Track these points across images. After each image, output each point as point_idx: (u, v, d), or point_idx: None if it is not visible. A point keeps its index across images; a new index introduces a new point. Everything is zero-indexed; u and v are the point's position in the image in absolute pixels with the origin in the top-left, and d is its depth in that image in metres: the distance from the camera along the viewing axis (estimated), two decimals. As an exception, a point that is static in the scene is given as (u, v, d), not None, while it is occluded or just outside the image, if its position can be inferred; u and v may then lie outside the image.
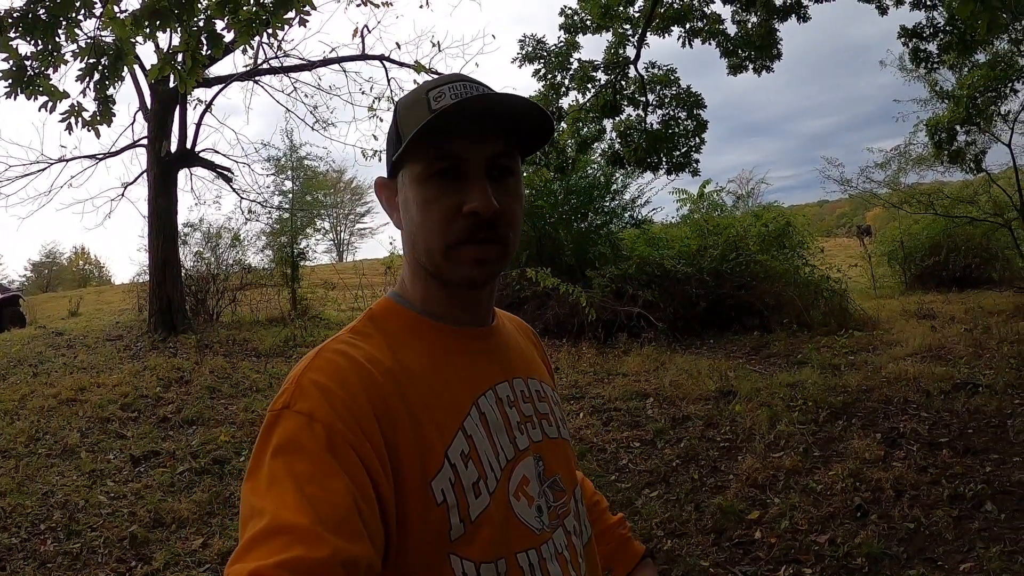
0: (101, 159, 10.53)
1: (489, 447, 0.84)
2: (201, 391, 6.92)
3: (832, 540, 3.57)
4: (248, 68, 9.50)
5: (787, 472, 4.42)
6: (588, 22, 8.49)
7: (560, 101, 8.75)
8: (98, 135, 3.73)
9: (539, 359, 1.10)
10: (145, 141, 10.02)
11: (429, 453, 0.78)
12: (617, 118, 8.86)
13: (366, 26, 11.04)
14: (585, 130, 8.95)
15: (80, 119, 3.64)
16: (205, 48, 3.45)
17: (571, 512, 0.95)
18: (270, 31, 3.67)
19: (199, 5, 3.22)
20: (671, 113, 8.65)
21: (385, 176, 0.95)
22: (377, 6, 6.81)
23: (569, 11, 8.57)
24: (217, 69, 9.69)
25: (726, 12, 8.36)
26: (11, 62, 3.29)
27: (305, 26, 3.65)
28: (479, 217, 0.83)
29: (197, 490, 4.64)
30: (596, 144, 9.42)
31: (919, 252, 12.59)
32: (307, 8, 3.58)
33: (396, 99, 0.94)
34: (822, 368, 6.82)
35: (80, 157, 10.38)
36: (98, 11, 3.39)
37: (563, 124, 8.87)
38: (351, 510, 0.67)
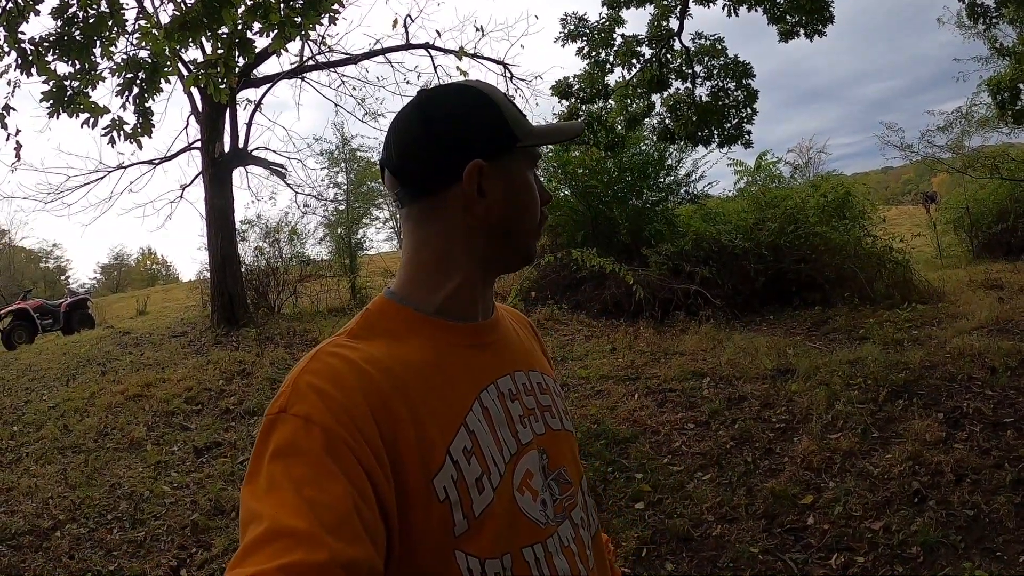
0: (158, 164, 10.92)
1: (492, 442, 0.84)
2: (262, 383, 7.15)
3: (887, 527, 3.45)
4: (294, 66, 9.67)
5: (844, 455, 4.28)
6: (631, -5, 8.27)
7: (606, 78, 8.59)
8: (140, 147, 3.87)
9: (539, 351, 1.09)
10: (199, 144, 10.32)
11: (430, 451, 0.78)
12: (665, 92, 8.65)
13: (408, 15, 11.05)
14: (633, 106, 8.77)
15: (122, 132, 3.77)
16: (237, 56, 3.52)
17: (578, 504, 0.95)
18: (303, 34, 3.70)
19: (230, 12, 3.27)
20: (720, 84, 8.39)
21: (478, 160, 0.88)
22: (416, -5, 6.78)
23: (610, -15, 8.38)
24: (264, 69, 9.93)
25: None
26: (51, 83, 3.43)
27: (335, 24, 3.69)
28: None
29: (256, 479, 4.80)
30: (646, 120, 9.23)
31: (986, 219, 11.95)
32: (336, 7, 3.61)
33: (485, 84, 0.88)
34: (884, 344, 6.56)
35: (137, 163, 10.78)
36: (131, 28, 3.49)
37: (611, 102, 8.72)
38: (350, 512, 0.67)
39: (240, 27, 3.48)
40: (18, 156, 4.06)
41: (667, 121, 8.77)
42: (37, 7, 3.51)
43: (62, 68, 3.52)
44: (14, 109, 3.69)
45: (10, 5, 3.40)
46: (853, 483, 3.91)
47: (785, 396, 5.45)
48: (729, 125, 8.46)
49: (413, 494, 0.76)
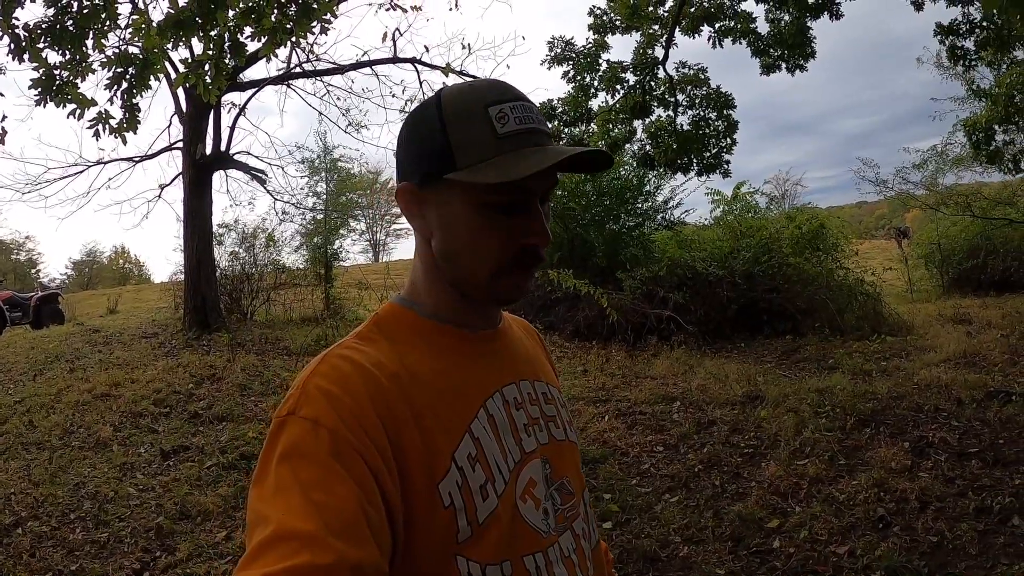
0: (138, 162, 10.84)
1: (497, 450, 0.84)
2: (232, 388, 7.06)
3: (852, 552, 3.49)
4: (281, 72, 9.69)
5: (811, 480, 4.34)
6: (617, 22, 8.46)
7: (589, 102, 8.74)
8: (124, 142, 3.88)
9: (545, 361, 1.09)
10: (181, 144, 10.26)
11: (436, 456, 0.78)
12: (647, 119, 8.82)
13: (397, 29, 11.12)
14: (615, 131, 8.92)
15: (107, 126, 3.77)
16: (228, 58, 3.54)
17: (580, 515, 0.95)
18: (294, 40, 3.74)
19: (223, 15, 3.30)
20: (701, 114, 8.57)
21: (409, 182, 0.88)
22: (406, 11, 6.88)
23: (598, 11, 8.55)
24: (250, 73, 9.94)
25: (759, 10, 8.28)
26: (41, 71, 3.43)
27: (326, 34, 3.74)
28: (537, 250, 0.85)
29: (223, 484, 4.75)
30: (627, 145, 9.39)
31: (957, 255, 12.29)
32: (328, 17, 3.65)
33: (444, 89, 0.90)
34: (853, 374, 6.68)
35: (117, 160, 10.68)
36: (124, 22, 3.51)
37: (593, 126, 8.86)
38: (357, 515, 0.68)
39: (233, 29, 3.51)
40: (2, 141, 4.02)
41: (648, 147, 8.94)
42: (34, -7, 3.52)
43: (53, 57, 3.55)
44: (2, 95, 3.68)
45: (8, -11, 3.42)
46: (819, 508, 3.95)
47: (754, 422, 5.51)
48: (709, 154, 8.65)
49: (418, 499, 0.76)
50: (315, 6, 3.44)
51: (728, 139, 8.46)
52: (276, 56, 4.09)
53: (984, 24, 7.27)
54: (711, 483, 4.52)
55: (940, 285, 12.73)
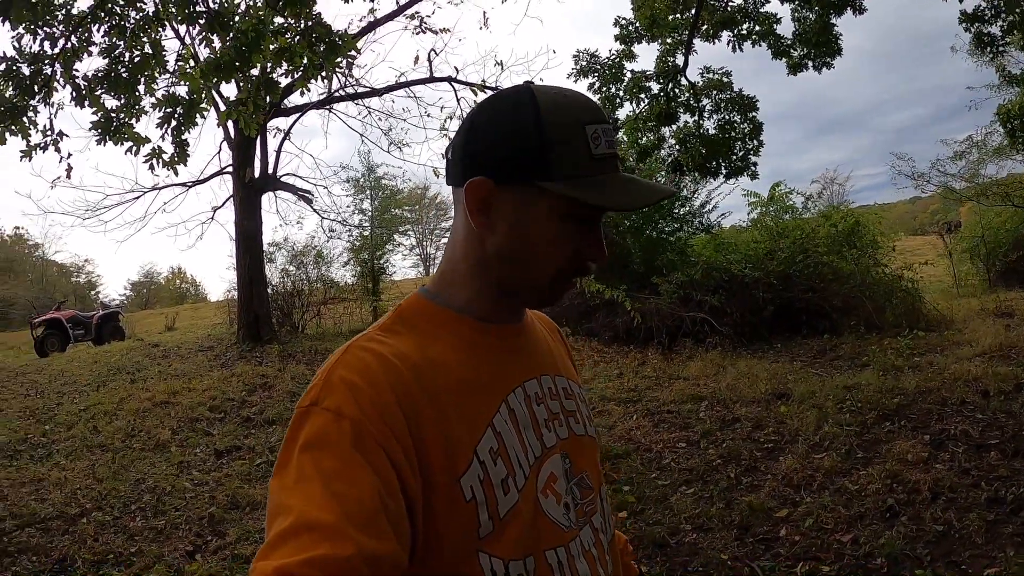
0: (191, 186, 11.45)
1: (518, 444, 0.84)
2: (282, 395, 7.52)
3: (855, 540, 3.55)
4: (323, 96, 10.17)
5: (825, 472, 4.39)
6: (642, 31, 8.64)
7: (616, 112, 8.94)
8: (176, 174, 4.34)
9: (566, 357, 1.09)
10: (231, 169, 10.84)
11: (458, 450, 0.78)
12: (675, 125, 8.96)
13: (433, 49, 11.52)
14: (643, 139, 9.10)
15: (160, 160, 4.25)
16: (264, 94, 3.95)
17: (598, 509, 0.95)
18: (324, 74, 4.12)
19: (259, 56, 3.68)
20: (727, 117, 8.68)
21: (486, 177, 0.84)
22: (436, 32, 7.24)
23: (623, 21, 8.76)
24: (294, 99, 10.44)
25: (784, 11, 8.33)
26: (99, 114, 3.91)
27: (350, 69, 4.12)
28: (593, 264, 0.88)
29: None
30: (657, 152, 9.54)
31: (1002, 247, 11.94)
32: (353, 53, 4.03)
33: (534, 87, 0.87)
34: (883, 370, 6.62)
35: (172, 185, 11.28)
36: (171, 67, 3.96)
37: (622, 135, 9.05)
38: (378, 507, 0.68)
39: (268, 70, 3.92)
40: (68, 175, 4.56)
41: (677, 153, 9.08)
42: (90, 48, 4.03)
43: (110, 102, 4.06)
44: (67, 135, 4.23)
45: (68, 45, 3.91)
46: (829, 499, 4.02)
47: (776, 418, 5.55)
48: (736, 157, 8.72)
49: (439, 492, 0.76)
50: (340, 43, 3.82)
51: (754, 141, 8.53)
52: (308, 89, 4.51)
53: (1008, 8, 7.13)
54: (727, 475, 4.63)
55: (986, 279, 12.43)
